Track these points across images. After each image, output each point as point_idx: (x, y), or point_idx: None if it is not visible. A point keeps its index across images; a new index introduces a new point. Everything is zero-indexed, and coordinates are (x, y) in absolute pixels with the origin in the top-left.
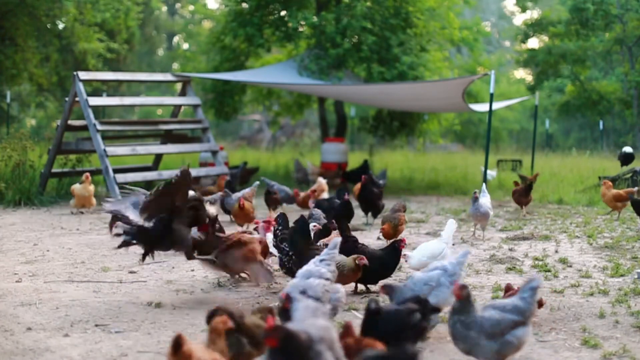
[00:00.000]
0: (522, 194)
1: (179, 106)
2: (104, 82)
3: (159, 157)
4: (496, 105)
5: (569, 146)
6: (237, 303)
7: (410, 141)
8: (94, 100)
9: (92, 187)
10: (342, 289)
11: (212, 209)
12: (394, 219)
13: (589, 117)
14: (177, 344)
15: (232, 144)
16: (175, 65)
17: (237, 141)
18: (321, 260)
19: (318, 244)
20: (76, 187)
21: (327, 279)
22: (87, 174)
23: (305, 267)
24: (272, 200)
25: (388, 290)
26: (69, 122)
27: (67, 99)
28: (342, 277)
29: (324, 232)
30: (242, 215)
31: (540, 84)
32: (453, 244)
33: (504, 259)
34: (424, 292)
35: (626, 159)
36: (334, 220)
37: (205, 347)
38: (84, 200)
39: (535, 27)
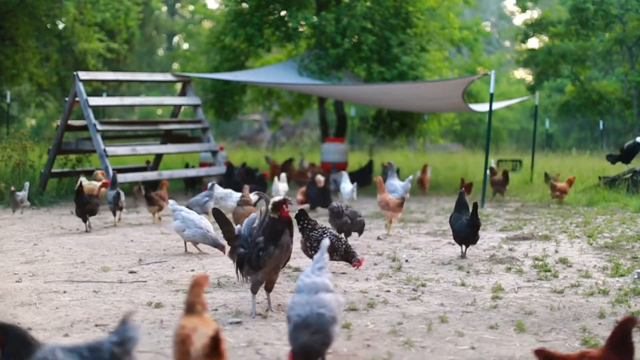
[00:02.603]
0: (500, 182)
1: (179, 106)
2: (104, 82)
3: (159, 157)
4: (496, 105)
5: (569, 146)
6: (237, 303)
7: (410, 141)
8: (94, 100)
9: (95, 182)
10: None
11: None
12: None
13: (589, 117)
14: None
15: (232, 144)
16: (175, 65)
17: (237, 141)
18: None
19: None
20: (83, 181)
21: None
22: (82, 173)
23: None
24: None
25: None
26: (69, 122)
27: (67, 99)
28: None
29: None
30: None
31: (540, 84)
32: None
33: (504, 259)
34: None
35: (626, 157)
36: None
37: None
38: None
39: (535, 27)
